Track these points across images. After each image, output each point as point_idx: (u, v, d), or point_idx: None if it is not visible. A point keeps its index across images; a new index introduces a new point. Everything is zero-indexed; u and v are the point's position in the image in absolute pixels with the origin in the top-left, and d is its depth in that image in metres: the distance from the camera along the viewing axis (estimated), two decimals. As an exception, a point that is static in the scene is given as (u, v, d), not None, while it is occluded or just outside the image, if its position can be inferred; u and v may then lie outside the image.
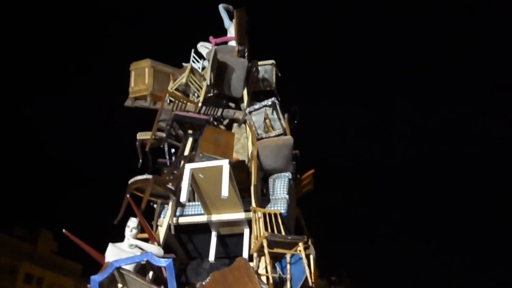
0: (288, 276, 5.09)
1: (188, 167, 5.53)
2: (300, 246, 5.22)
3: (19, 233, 35.88)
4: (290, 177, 6.62)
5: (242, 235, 5.97)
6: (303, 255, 5.16)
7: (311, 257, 5.41)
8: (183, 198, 5.35)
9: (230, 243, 6.19)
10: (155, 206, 6.23)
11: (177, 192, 5.86)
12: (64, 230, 5.00)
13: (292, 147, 6.68)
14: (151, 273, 5.04)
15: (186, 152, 6.85)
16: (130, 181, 5.92)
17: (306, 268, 5.13)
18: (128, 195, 5.71)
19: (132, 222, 5.22)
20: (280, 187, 6.35)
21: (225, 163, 5.44)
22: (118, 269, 4.38)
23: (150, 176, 5.88)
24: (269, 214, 5.63)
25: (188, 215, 6.10)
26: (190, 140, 7.03)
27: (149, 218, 5.94)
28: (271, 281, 5.06)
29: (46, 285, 35.32)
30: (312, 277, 5.26)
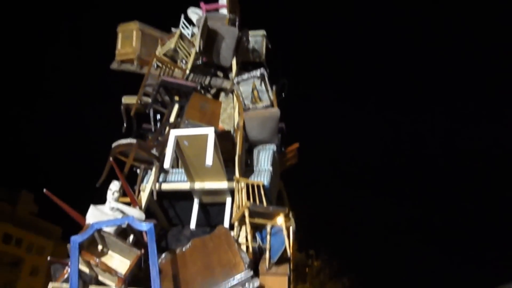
0: (268, 246, 5.14)
1: (173, 134, 5.50)
2: (281, 218, 5.26)
3: (-1, 193, 35.56)
4: (275, 149, 6.63)
5: (224, 204, 5.99)
6: (283, 226, 5.20)
7: (291, 229, 5.47)
8: (166, 164, 5.33)
9: (212, 211, 6.22)
10: (138, 171, 6.21)
11: (161, 158, 5.84)
12: (45, 190, 4.97)
13: (278, 120, 6.66)
14: (131, 237, 5.05)
15: (172, 119, 6.79)
16: (113, 145, 5.88)
17: (286, 239, 5.19)
18: (111, 158, 5.67)
19: (115, 186, 5.20)
20: (264, 158, 6.36)
21: (210, 131, 5.41)
22: (99, 231, 4.38)
23: (134, 141, 5.84)
24: (252, 185, 5.65)
25: (171, 181, 6.09)
26: (176, 106, 6.96)
27: (132, 182, 5.93)
28: (250, 250, 5.13)
29: (25, 247, 35.29)
30: (291, 249, 5.32)
